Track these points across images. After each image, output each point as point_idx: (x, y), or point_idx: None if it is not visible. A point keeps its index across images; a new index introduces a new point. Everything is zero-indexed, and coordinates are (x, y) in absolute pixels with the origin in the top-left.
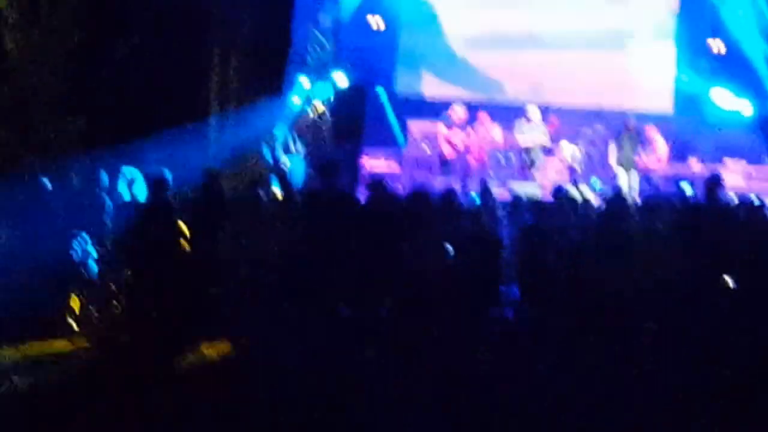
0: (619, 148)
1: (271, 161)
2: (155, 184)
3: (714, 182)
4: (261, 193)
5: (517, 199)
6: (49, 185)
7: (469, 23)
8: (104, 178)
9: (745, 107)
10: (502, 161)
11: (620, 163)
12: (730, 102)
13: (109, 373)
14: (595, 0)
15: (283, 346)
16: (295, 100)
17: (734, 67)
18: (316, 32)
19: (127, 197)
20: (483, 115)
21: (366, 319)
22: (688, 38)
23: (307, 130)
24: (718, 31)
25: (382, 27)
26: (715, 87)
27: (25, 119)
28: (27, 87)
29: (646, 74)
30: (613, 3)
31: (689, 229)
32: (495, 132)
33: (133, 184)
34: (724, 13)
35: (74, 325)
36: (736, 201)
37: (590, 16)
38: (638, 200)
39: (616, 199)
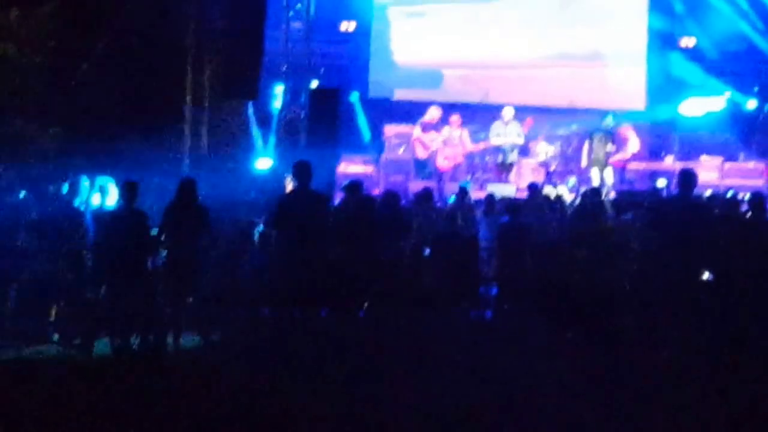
0: (594, 146)
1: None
2: (126, 190)
3: (687, 176)
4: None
5: (493, 200)
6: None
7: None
8: (79, 186)
9: (718, 105)
10: (478, 163)
11: (595, 161)
12: (701, 107)
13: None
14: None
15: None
16: (275, 104)
17: (708, 65)
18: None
19: (101, 204)
20: (457, 118)
21: (345, 319)
22: (661, 37)
23: (283, 134)
24: (690, 30)
25: (353, 29)
26: (685, 99)
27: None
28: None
29: (620, 75)
30: (589, 24)
31: (664, 223)
32: (464, 135)
33: (105, 192)
34: (696, 13)
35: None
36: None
37: (569, 31)
38: (612, 197)
39: (590, 195)
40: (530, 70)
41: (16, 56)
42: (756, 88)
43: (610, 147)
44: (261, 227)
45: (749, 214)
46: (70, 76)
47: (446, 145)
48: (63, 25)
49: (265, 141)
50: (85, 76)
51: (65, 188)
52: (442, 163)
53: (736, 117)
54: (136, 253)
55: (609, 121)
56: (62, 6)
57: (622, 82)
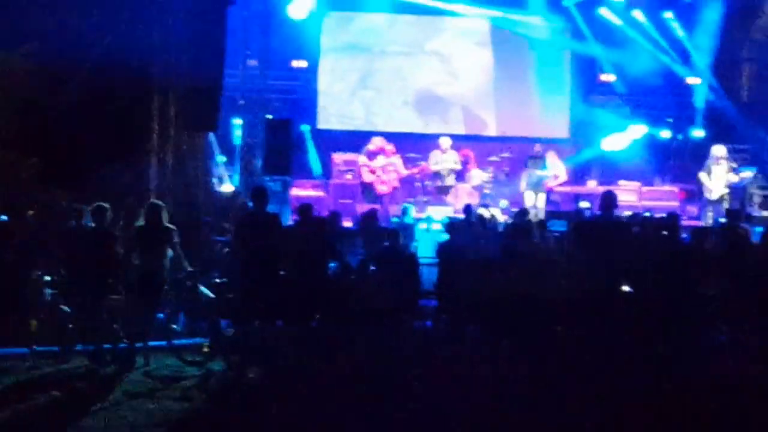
0: (530, 172)
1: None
2: (95, 213)
3: (609, 198)
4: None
5: (432, 220)
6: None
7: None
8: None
9: (635, 136)
10: (419, 187)
11: (528, 185)
12: (620, 142)
13: None
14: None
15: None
16: (236, 134)
17: (626, 99)
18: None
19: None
20: (391, 147)
21: (298, 330)
22: (582, 74)
23: (241, 162)
24: (609, 67)
25: (305, 66)
26: (607, 136)
27: None
28: None
29: (546, 108)
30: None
31: (588, 240)
32: (398, 162)
33: (83, 216)
34: (621, 45)
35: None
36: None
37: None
38: (542, 217)
39: (520, 216)
40: (466, 104)
41: None
42: (670, 119)
43: (543, 173)
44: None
45: (664, 232)
46: (47, 110)
47: (384, 171)
48: (39, 63)
49: (229, 168)
50: (61, 109)
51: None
52: (381, 188)
53: (651, 145)
54: (100, 270)
55: (538, 148)
56: (39, 46)
57: (548, 114)
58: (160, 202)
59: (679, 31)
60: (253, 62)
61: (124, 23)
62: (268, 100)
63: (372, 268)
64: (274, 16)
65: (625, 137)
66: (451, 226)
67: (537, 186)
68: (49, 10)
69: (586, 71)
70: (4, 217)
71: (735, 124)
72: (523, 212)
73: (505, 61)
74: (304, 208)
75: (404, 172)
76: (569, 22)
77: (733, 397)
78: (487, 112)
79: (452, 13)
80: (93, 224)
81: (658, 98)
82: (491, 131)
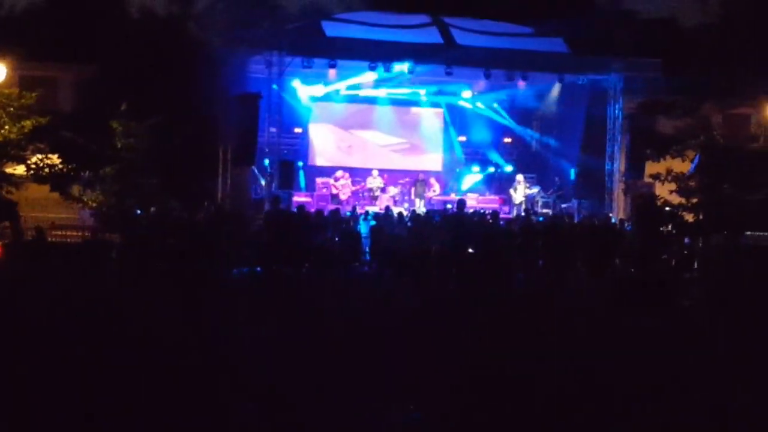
0: (416, 188)
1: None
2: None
3: (461, 203)
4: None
5: (366, 213)
6: None
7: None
8: None
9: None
10: (362, 196)
11: (417, 196)
12: (471, 181)
13: None
14: (404, 129)
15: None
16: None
17: (473, 150)
18: (269, 135)
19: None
20: (347, 175)
21: (287, 273)
22: (449, 134)
23: (267, 183)
24: (466, 129)
25: (300, 131)
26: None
27: None
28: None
29: (429, 153)
30: (410, 125)
31: (449, 223)
32: (349, 183)
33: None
34: (470, 120)
35: None
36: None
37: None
38: (424, 212)
39: (415, 213)
40: (385, 150)
41: (133, 144)
42: (493, 161)
43: (426, 188)
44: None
45: (491, 220)
46: (162, 153)
47: (343, 187)
48: (156, 129)
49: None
50: (169, 153)
51: None
52: (342, 197)
53: (485, 175)
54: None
55: (422, 176)
56: (159, 120)
57: (429, 156)
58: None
59: (501, 113)
60: (273, 129)
61: (208, 108)
62: (281, 149)
63: (336, 239)
64: (284, 104)
65: (474, 176)
66: (378, 217)
67: (420, 196)
68: (162, 102)
69: (453, 135)
70: (138, 212)
71: (527, 162)
72: (415, 211)
73: (407, 130)
74: (300, 208)
75: (352, 188)
76: (443, 108)
77: (529, 311)
78: (398, 156)
79: (383, 112)
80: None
81: (488, 149)
82: (400, 167)
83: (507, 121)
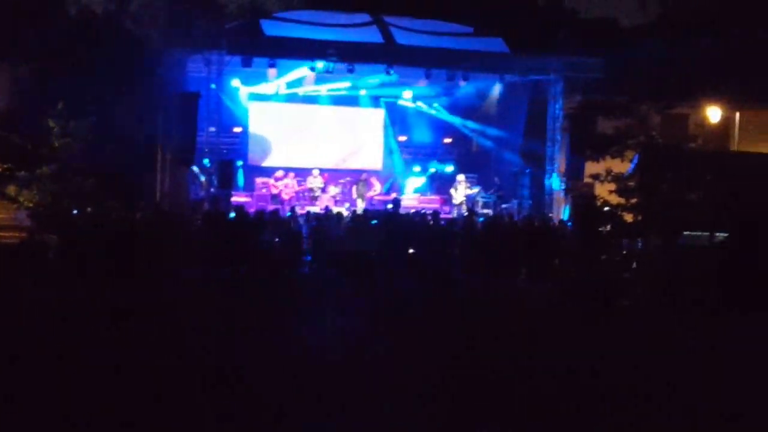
0: (358, 188)
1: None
2: None
3: (396, 202)
4: None
5: (309, 214)
6: None
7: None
8: None
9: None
10: (303, 196)
11: (358, 196)
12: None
13: None
14: (345, 129)
15: None
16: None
17: (414, 150)
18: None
19: None
20: (291, 174)
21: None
22: (388, 134)
23: (206, 183)
24: (407, 129)
25: (240, 131)
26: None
27: None
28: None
29: (369, 153)
30: (351, 124)
31: (388, 223)
32: (292, 183)
33: None
34: (411, 119)
35: None
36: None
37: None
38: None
39: (355, 213)
40: (325, 150)
41: (69, 144)
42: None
43: (367, 188)
44: None
45: (432, 220)
46: (100, 153)
47: (286, 187)
48: (92, 128)
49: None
50: (107, 153)
51: None
52: (284, 196)
53: (430, 177)
54: None
55: (364, 176)
56: (96, 120)
57: (370, 156)
58: None
59: (442, 113)
60: (212, 129)
61: (146, 108)
62: (221, 148)
63: (276, 239)
64: (224, 104)
65: (417, 179)
66: (318, 217)
67: (362, 196)
68: (100, 101)
69: (393, 135)
70: (75, 212)
71: (468, 162)
72: (355, 212)
73: (347, 129)
74: (239, 208)
75: (296, 188)
76: (383, 107)
77: (470, 312)
78: (339, 155)
79: (323, 111)
80: None
81: (429, 149)
82: (340, 167)
83: (448, 120)
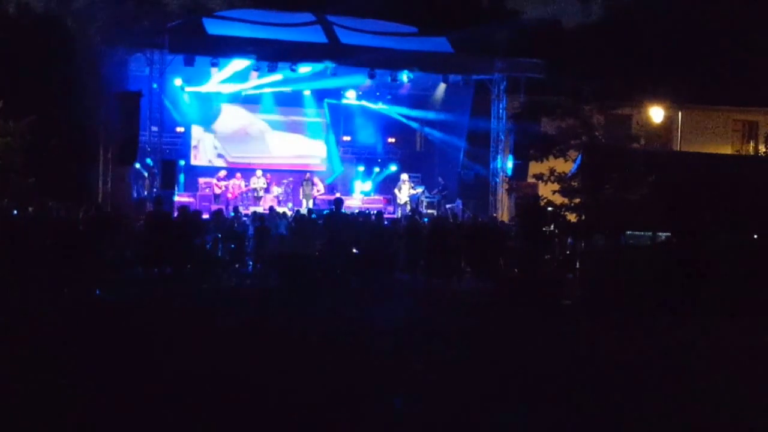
0: (303, 188)
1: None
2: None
3: (338, 201)
4: None
5: (254, 214)
6: None
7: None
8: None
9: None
10: (247, 197)
11: (305, 196)
12: (364, 187)
13: None
14: (288, 129)
15: None
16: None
17: (358, 150)
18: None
19: None
20: (238, 175)
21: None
22: (334, 135)
23: (149, 183)
24: (350, 129)
25: (182, 130)
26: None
27: None
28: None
29: (313, 153)
30: (294, 124)
31: (331, 223)
32: (241, 183)
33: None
34: (355, 119)
35: None
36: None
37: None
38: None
39: (299, 213)
40: (268, 149)
41: (9, 143)
42: (379, 161)
43: (312, 188)
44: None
45: (376, 220)
46: (41, 152)
47: (229, 187)
48: (33, 127)
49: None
50: (49, 151)
51: None
52: (229, 196)
53: (370, 175)
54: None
55: (308, 175)
56: (37, 119)
57: (313, 156)
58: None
59: (386, 113)
60: (154, 128)
61: (87, 106)
62: (163, 148)
63: (219, 240)
64: (166, 103)
65: (365, 183)
66: (262, 218)
67: (308, 196)
68: (41, 100)
69: (336, 135)
70: (15, 212)
71: (412, 162)
72: (299, 212)
73: (290, 129)
74: (182, 208)
75: (240, 189)
76: (325, 108)
77: (413, 311)
78: (282, 155)
79: (266, 111)
80: None
81: (372, 148)
82: (283, 167)
83: (391, 120)
